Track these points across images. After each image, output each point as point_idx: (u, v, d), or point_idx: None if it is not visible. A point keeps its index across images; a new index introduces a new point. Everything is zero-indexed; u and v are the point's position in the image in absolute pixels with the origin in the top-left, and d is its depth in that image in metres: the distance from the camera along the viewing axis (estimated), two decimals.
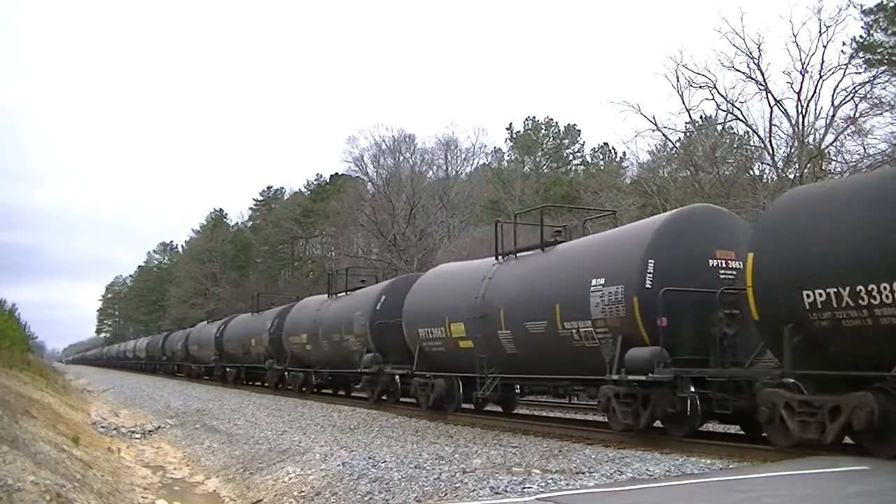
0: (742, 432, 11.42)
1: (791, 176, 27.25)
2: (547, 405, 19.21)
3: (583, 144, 65.82)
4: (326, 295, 24.60)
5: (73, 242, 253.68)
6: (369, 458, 11.02)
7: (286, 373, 26.54)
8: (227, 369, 35.28)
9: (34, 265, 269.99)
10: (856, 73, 28.63)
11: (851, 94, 28.14)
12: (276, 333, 27.35)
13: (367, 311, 19.44)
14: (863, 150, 27.78)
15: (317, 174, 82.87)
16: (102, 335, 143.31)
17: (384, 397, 19.59)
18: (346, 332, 20.67)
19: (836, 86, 28.52)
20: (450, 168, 55.50)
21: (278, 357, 27.32)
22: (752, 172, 31.44)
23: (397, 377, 18.51)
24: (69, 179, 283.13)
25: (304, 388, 25.20)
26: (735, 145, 33.67)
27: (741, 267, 10.42)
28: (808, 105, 28.56)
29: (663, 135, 33.03)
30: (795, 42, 29.26)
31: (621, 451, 10.50)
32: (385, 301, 19.12)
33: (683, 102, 31.62)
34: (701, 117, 33.93)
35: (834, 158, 28.65)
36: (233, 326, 34.89)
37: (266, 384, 29.80)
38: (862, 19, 29.11)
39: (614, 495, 6.89)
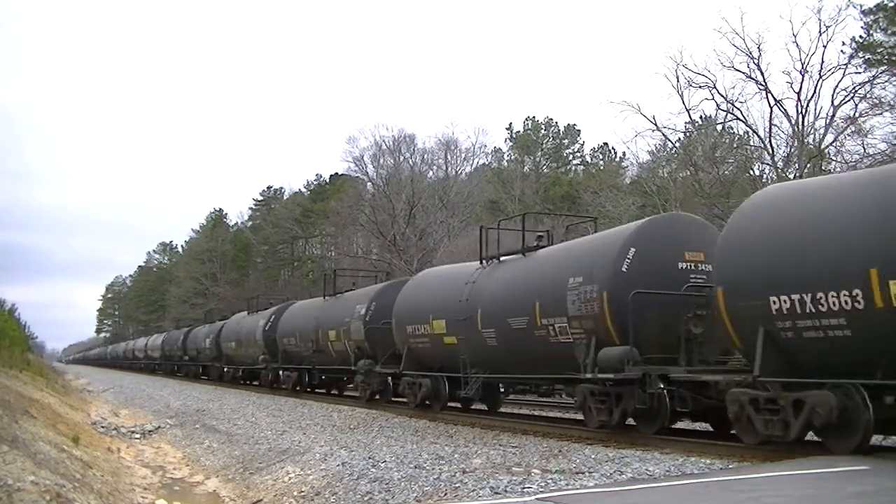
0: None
1: (791, 176, 27.26)
2: None
3: (583, 144, 66.00)
4: (479, 262, 16.23)
5: (71, 242, 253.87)
6: (369, 457, 11.02)
7: (394, 378, 19.04)
8: (284, 373, 27.51)
9: (32, 265, 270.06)
10: (856, 72, 28.75)
11: (851, 94, 28.24)
12: (376, 322, 19.73)
13: (602, 276, 11.78)
14: (863, 150, 27.83)
15: (317, 174, 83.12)
16: (102, 335, 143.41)
17: (631, 421, 11.81)
18: (550, 314, 12.69)
19: (836, 86, 28.64)
20: (450, 168, 55.59)
21: (380, 356, 19.56)
22: (752, 172, 31.47)
23: (662, 386, 10.82)
24: (67, 179, 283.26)
25: (427, 402, 17.20)
26: (735, 145, 33.74)
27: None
28: (808, 105, 28.68)
29: (663, 135, 33.10)
30: (795, 42, 29.36)
31: (621, 451, 10.49)
32: (636, 256, 11.62)
33: (683, 102, 31.69)
34: (701, 117, 34.01)
35: (834, 158, 28.69)
36: (293, 316, 27.04)
37: (356, 394, 21.46)
38: (861, 19, 29.18)
39: (614, 495, 6.88)
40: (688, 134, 33.66)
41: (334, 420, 17.44)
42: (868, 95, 27.89)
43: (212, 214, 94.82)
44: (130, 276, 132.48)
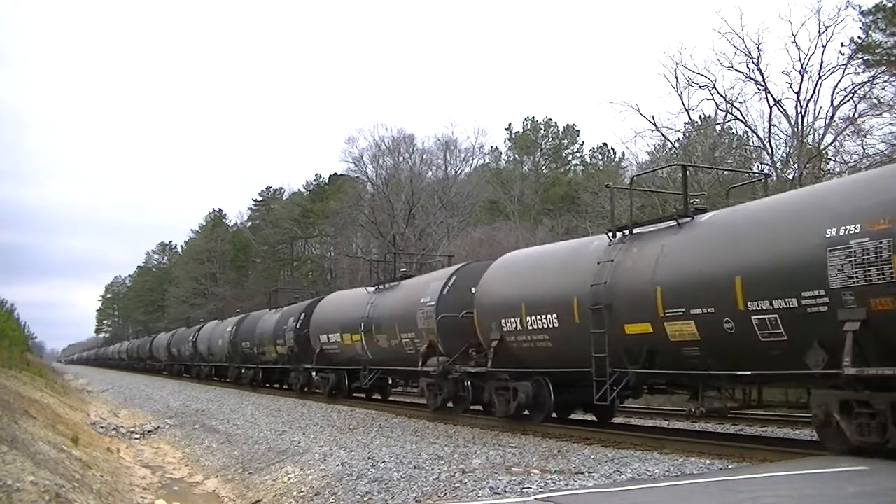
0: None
1: (790, 176, 27.27)
2: None
3: (582, 144, 65.82)
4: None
5: (70, 242, 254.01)
6: (368, 458, 11.02)
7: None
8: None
9: (30, 265, 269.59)
10: (855, 73, 28.67)
11: (850, 95, 28.17)
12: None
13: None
14: (862, 151, 27.81)
15: (316, 174, 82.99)
16: (102, 335, 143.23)
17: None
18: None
19: (836, 86, 28.57)
20: (449, 168, 55.58)
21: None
22: (751, 173, 31.43)
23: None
24: (66, 179, 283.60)
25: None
26: (734, 145, 33.69)
27: None
28: (807, 105, 28.61)
29: (662, 135, 33.05)
30: (795, 42, 29.27)
31: (620, 451, 10.50)
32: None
33: (683, 102, 31.64)
34: (700, 117, 33.94)
35: (833, 158, 28.67)
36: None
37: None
38: (860, 20, 29.13)
39: (614, 495, 6.88)
40: (687, 134, 33.65)
41: (333, 420, 17.44)
42: (867, 96, 27.87)
43: (211, 215, 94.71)
44: (130, 276, 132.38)
